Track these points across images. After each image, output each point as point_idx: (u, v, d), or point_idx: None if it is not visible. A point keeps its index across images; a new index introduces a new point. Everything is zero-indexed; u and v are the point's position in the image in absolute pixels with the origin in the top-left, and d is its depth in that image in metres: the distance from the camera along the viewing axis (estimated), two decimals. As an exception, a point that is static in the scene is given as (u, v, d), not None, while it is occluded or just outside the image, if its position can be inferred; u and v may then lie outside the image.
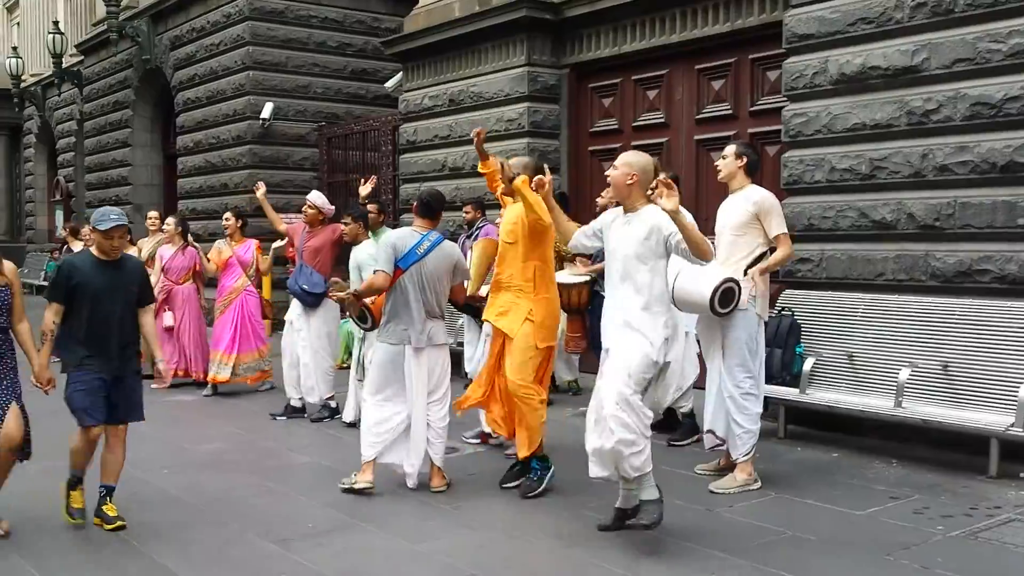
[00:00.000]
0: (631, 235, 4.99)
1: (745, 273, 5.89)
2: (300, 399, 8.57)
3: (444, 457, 6.21)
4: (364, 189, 8.40)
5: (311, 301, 8.36)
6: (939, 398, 6.48)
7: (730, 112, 9.00)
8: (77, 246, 12.74)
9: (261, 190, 9.13)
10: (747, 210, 5.93)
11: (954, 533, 5.12)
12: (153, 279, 11.07)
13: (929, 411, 6.43)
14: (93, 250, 5.39)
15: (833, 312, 7.31)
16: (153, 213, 11.66)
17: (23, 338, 5.30)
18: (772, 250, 6.02)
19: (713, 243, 6.25)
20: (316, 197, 8.63)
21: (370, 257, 7.37)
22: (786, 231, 6.00)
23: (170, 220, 10.56)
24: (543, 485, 5.97)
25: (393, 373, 6.09)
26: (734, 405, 5.95)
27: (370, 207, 10.24)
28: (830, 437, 7.26)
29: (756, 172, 6.18)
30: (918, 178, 7.05)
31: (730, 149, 6.12)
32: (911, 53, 7.05)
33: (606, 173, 5.34)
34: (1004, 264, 6.60)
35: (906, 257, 7.12)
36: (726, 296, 5.75)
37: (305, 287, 8.32)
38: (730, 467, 6.24)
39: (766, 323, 6.20)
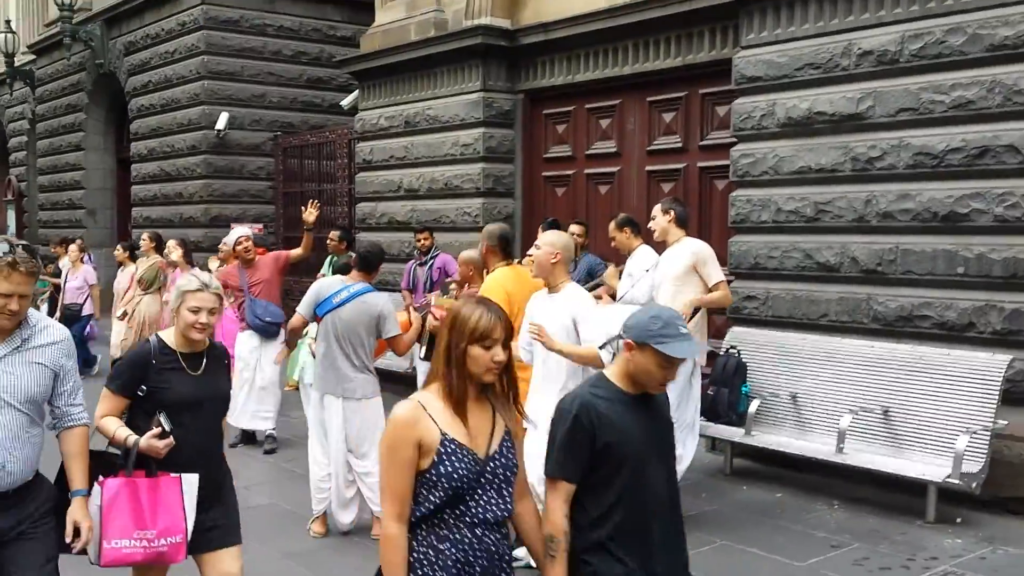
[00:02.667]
0: (552, 312, 5.17)
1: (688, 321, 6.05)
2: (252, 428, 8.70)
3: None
4: (309, 216, 8.31)
5: (275, 331, 8.45)
6: (879, 443, 6.67)
7: (680, 145, 9.13)
8: (63, 263, 12.69)
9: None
10: (685, 261, 6.16)
11: (890, 588, 5.31)
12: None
13: (869, 457, 6.60)
14: (612, 375, 3.07)
15: (777, 352, 7.48)
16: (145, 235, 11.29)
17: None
18: None
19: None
20: (243, 230, 8.67)
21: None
22: (724, 279, 6.23)
23: (173, 243, 10.25)
24: None
25: (322, 422, 6.21)
26: None
27: (332, 234, 10.39)
28: (775, 474, 7.44)
29: (686, 223, 6.43)
30: (861, 223, 7.23)
31: (657, 209, 6.41)
32: (856, 100, 7.21)
33: (528, 253, 5.47)
34: (943, 311, 6.79)
35: (849, 300, 7.30)
36: None
37: (268, 319, 8.39)
38: None
39: (703, 366, 6.41)
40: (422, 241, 9.44)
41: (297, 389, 10.30)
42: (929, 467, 6.33)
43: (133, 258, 11.74)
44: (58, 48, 18.94)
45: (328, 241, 10.50)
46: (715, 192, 8.74)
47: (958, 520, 6.32)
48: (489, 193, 10.58)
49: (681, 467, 6.13)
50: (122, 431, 3.71)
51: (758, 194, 7.82)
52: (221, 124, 14.96)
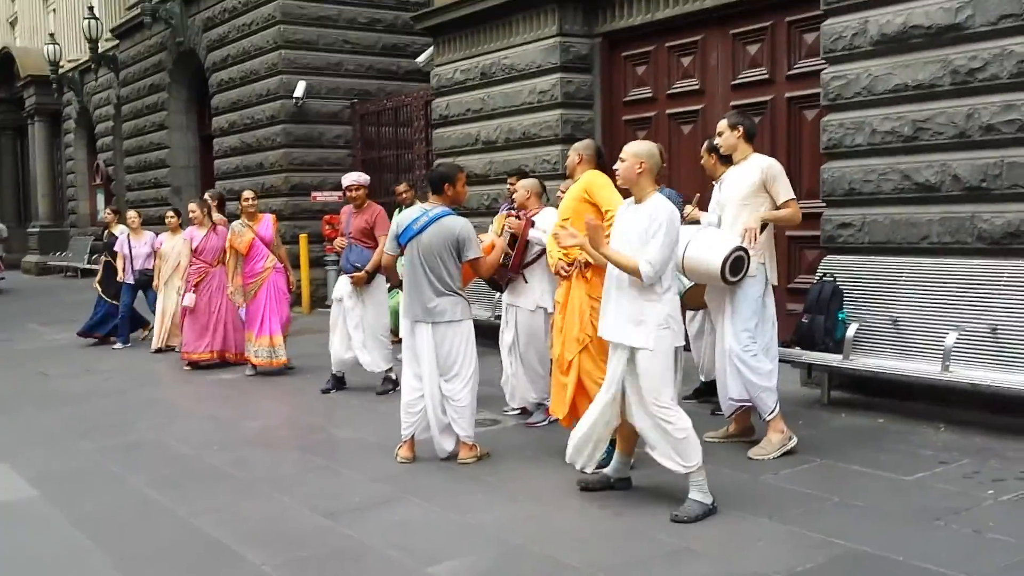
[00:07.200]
0: (636, 221, 4.99)
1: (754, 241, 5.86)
2: (342, 372, 8.68)
3: (472, 432, 6.19)
4: (340, 243, 8.60)
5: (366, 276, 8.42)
6: (987, 361, 6.39)
7: (767, 77, 8.88)
8: (119, 230, 12.75)
9: None
10: (753, 179, 5.90)
11: (1005, 497, 5.06)
12: (181, 262, 11.22)
13: (977, 375, 6.33)
14: None
15: (876, 277, 7.23)
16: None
17: None
18: None
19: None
20: (359, 176, 8.65)
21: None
22: (794, 197, 5.98)
23: (192, 206, 10.69)
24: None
25: (413, 348, 6.17)
26: (744, 367, 5.91)
27: (400, 187, 10.37)
28: (875, 402, 7.19)
29: (755, 137, 6.14)
30: (963, 138, 6.92)
31: (723, 123, 6.07)
32: (954, 11, 6.90)
33: (614, 168, 5.15)
34: (1053, 224, 6.48)
35: (951, 219, 7.01)
36: (736, 264, 5.71)
37: (357, 264, 8.37)
38: (740, 433, 6.28)
39: (774, 285, 6.12)
40: (512, 185, 9.20)
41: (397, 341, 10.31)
42: (1042, 382, 6.05)
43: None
44: (139, 30, 19.35)
45: (401, 194, 10.13)
46: (804, 122, 8.49)
47: (1074, 437, 6.04)
48: (568, 140, 10.37)
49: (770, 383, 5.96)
50: None
51: (851, 117, 7.54)
52: (299, 92, 15.07)
